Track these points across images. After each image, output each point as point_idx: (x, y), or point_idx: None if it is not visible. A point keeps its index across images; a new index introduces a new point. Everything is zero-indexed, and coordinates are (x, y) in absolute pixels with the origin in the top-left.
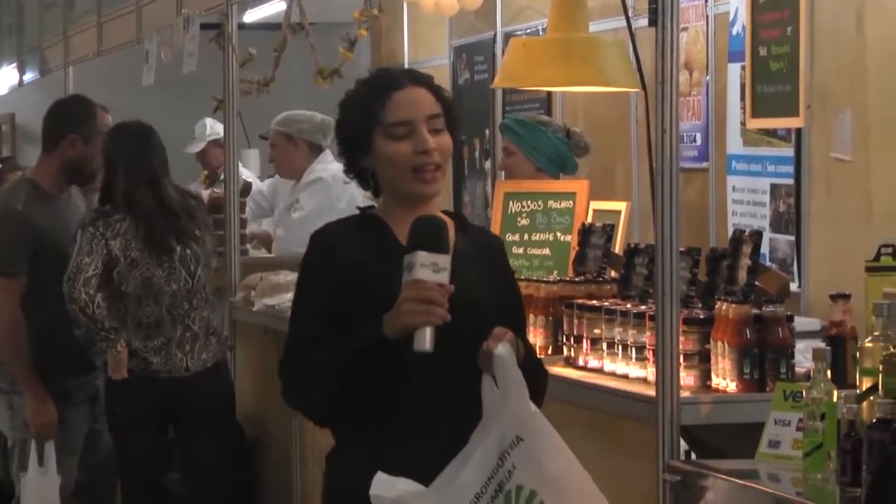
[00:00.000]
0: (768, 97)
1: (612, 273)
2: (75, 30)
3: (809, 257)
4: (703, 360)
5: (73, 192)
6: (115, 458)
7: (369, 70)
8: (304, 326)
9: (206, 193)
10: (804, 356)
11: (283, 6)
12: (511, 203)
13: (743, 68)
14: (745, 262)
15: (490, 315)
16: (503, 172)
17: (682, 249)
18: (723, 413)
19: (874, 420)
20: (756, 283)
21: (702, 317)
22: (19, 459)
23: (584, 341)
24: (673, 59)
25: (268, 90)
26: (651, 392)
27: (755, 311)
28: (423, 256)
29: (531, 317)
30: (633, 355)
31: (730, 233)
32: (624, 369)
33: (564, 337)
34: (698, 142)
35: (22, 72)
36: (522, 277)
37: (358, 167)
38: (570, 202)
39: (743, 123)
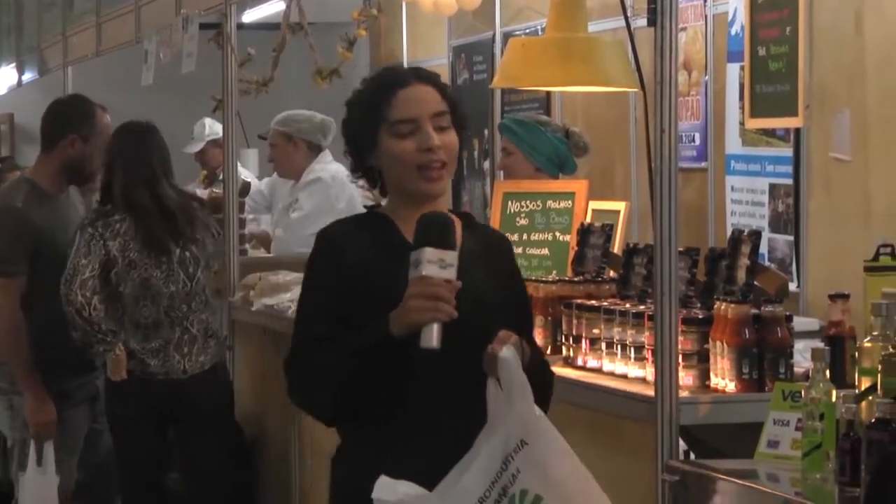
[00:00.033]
0: (767, 97)
1: (611, 273)
2: (74, 30)
3: (808, 257)
4: (701, 360)
5: (71, 192)
6: (115, 457)
7: (372, 69)
8: (310, 325)
9: (204, 193)
10: (803, 356)
11: (282, 6)
12: (510, 203)
13: (742, 68)
14: (744, 261)
15: (497, 314)
16: (502, 172)
17: (680, 249)
18: (722, 413)
19: (873, 420)
20: (755, 282)
21: (701, 317)
22: (19, 459)
23: (583, 341)
24: (672, 59)
25: (266, 90)
26: (650, 392)
27: (754, 311)
28: (429, 252)
29: None
30: (632, 355)
31: (728, 233)
32: (623, 369)
33: (563, 337)
34: (697, 142)
35: (21, 72)
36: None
37: (364, 166)
38: (569, 202)
39: (742, 123)
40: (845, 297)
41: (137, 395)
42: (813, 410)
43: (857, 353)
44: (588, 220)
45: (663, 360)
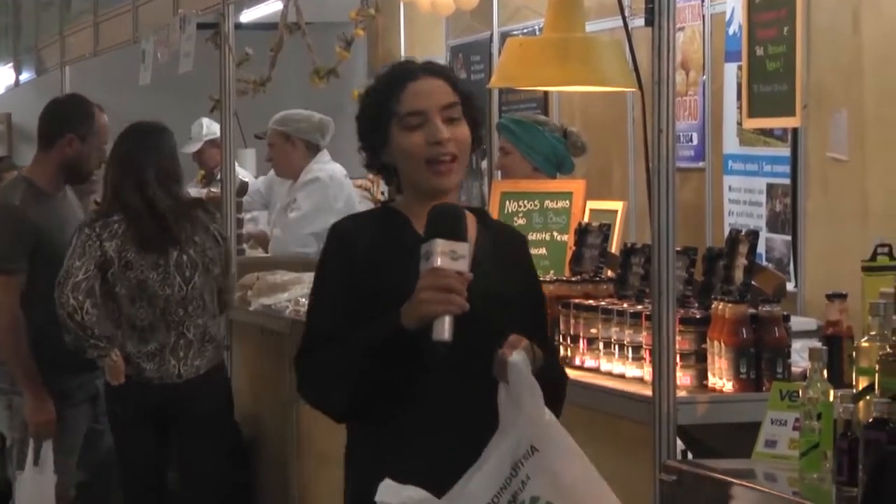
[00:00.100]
0: (765, 97)
1: (609, 273)
2: (71, 29)
3: (806, 257)
4: (699, 360)
5: (68, 192)
6: (115, 456)
7: (369, 70)
8: (320, 320)
9: (202, 193)
10: (800, 356)
11: (279, 6)
12: (507, 203)
13: (739, 68)
14: (742, 261)
15: (510, 312)
16: (500, 172)
17: (678, 249)
18: (719, 413)
19: (870, 420)
20: (752, 282)
21: (698, 316)
22: (17, 459)
23: (581, 341)
24: (669, 58)
25: (264, 90)
26: (647, 392)
27: (751, 310)
28: (440, 244)
29: None
30: (630, 355)
31: (726, 232)
32: (620, 369)
33: (561, 337)
34: (695, 141)
35: (18, 71)
36: None
37: (378, 163)
38: (567, 202)
39: (739, 123)
40: (843, 296)
41: (134, 399)
42: (810, 410)
43: (854, 353)
44: (586, 219)
45: (661, 359)
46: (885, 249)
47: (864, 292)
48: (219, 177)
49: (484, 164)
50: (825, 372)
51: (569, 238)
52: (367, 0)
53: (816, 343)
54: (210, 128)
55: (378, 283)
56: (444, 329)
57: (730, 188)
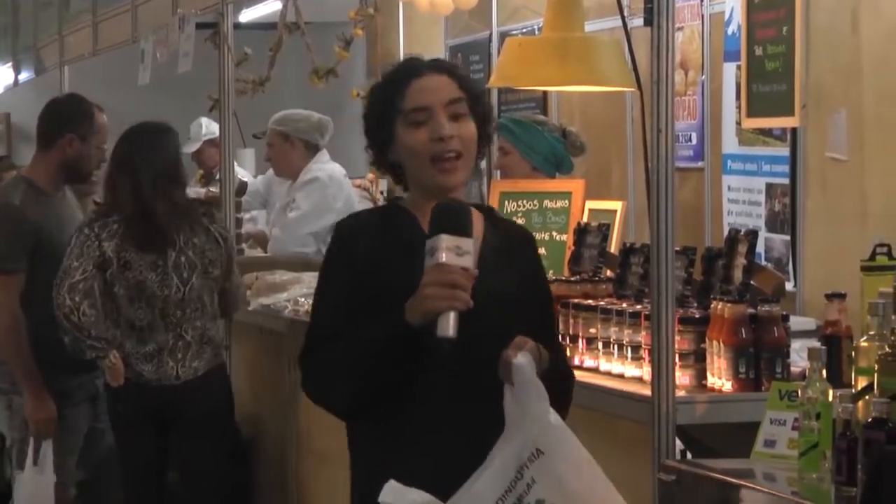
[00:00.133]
0: (764, 97)
1: (608, 272)
2: (70, 29)
3: (805, 257)
4: (698, 360)
5: (67, 192)
6: (117, 456)
7: (368, 69)
8: (325, 317)
9: (201, 193)
10: (799, 355)
11: (278, 5)
12: (507, 202)
13: (738, 68)
14: (741, 261)
15: (517, 311)
16: (499, 172)
17: (677, 249)
18: (718, 412)
19: (869, 419)
20: (751, 282)
21: (697, 316)
22: (17, 459)
23: (580, 341)
24: (668, 58)
25: (263, 90)
26: (647, 391)
27: (751, 310)
28: (445, 240)
29: None
30: (629, 355)
31: (725, 232)
32: (619, 369)
33: (560, 336)
34: (694, 141)
35: (17, 71)
36: None
37: (385, 161)
38: (566, 202)
39: (738, 123)
40: (842, 296)
41: (133, 401)
42: (809, 410)
43: (853, 353)
44: (585, 219)
45: (660, 359)
46: (884, 249)
47: (863, 292)
48: (218, 176)
49: (483, 163)
50: (824, 372)
51: (568, 238)
52: (366, 0)
53: (815, 343)
54: (209, 127)
55: (383, 280)
56: (449, 325)
57: (729, 188)
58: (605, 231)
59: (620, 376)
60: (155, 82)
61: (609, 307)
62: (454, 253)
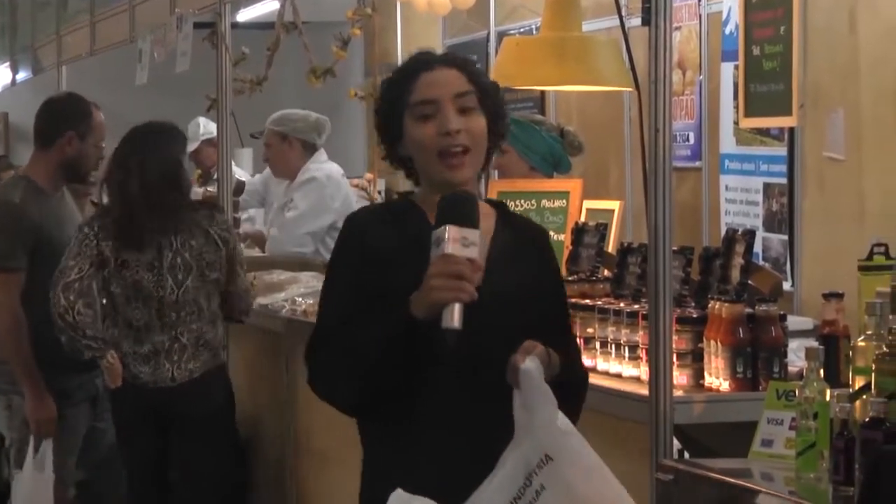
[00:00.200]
0: (761, 96)
1: (606, 272)
2: (68, 29)
3: (802, 256)
4: (696, 359)
5: (65, 191)
6: (120, 454)
7: (366, 69)
8: (331, 312)
9: (199, 193)
10: (797, 355)
11: (276, 5)
12: (504, 202)
13: (736, 67)
14: (738, 261)
15: (528, 311)
16: (496, 171)
17: (675, 248)
18: (716, 412)
19: (867, 419)
20: (749, 282)
21: (695, 316)
22: (16, 459)
23: (578, 340)
24: (666, 58)
25: (261, 89)
26: (644, 391)
27: (748, 310)
28: (451, 230)
29: None
30: (627, 354)
31: (723, 232)
32: (617, 368)
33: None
34: (691, 141)
35: (15, 71)
36: None
37: (395, 155)
38: (564, 201)
39: (736, 123)
40: (839, 296)
41: (131, 402)
42: (807, 409)
43: (851, 353)
44: (582, 219)
45: (657, 359)
46: (882, 249)
47: (861, 292)
48: (215, 176)
49: None
50: (821, 371)
51: (565, 237)
52: (364, 0)
53: (813, 342)
54: (207, 127)
55: (390, 275)
56: (454, 317)
57: (726, 188)
58: (602, 231)
59: (618, 376)
60: (153, 82)
61: (606, 307)
62: (460, 244)
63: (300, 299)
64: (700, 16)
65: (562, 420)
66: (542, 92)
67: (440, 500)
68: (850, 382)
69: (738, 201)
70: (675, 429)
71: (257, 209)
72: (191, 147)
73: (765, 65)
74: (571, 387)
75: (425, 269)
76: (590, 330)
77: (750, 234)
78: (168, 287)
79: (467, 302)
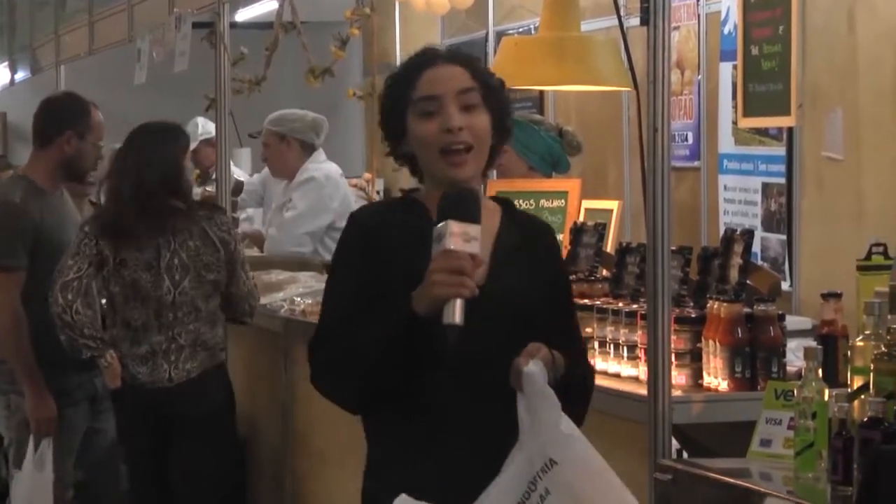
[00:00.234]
0: (760, 96)
1: (604, 272)
2: (67, 28)
3: (801, 256)
4: (694, 359)
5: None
6: (119, 451)
7: (365, 69)
8: (333, 310)
9: (198, 192)
10: (795, 355)
11: (274, 5)
12: None
13: (734, 67)
14: (737, 260)
15: (532, 310)
16: (495, 171)
17: (673, 248)
18: (714, 412)
19: (865, 419)
20: (747, 281)
21: (693, 316)
22: (14, 458)
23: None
24: (665, 58)
25: (259, 89)
26: (643, 391)
27: (747, 309)
28: (453, 226)
29: None
30: (625, 354)
31: (721, 232)
32: (616, 368)
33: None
34: (690, 141)
35: (13, 71)
36: None
37: (399, 153)
38: (562, 201)
39: (734, 122)
40: (838, 296)
41: (130, 402)
42: (805, 409)
43: (849, 352)
44: (581, 219)
45: (656, 358)
46: (880, 248)
47: (859, 291)
48: (214, 176)
49: None
50: (820, 371)
51: (564, 237)
52: None
53: (811, 342)
54: (205, 127)
55: (392, 273)
56: (455, 312)
57: (725, 187)
58: (601, 230)
59: (617, 376)
60: (151, 82)
61: (605, 307)
62: (461, 239)
63: (299, 299)
64: (699, 15)
65: (566, 424)
66: (541, 92)
67: (442, 499)
68: (849, 382)
69: (737, 201)
70: (674, 428)
71: (256, 209)
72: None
73: (763, 65)
74: (577, 387)
75: (427, 266)
76: (588, 330)
77: (748, 234)
78: (165, 287)
79: (468, 298)
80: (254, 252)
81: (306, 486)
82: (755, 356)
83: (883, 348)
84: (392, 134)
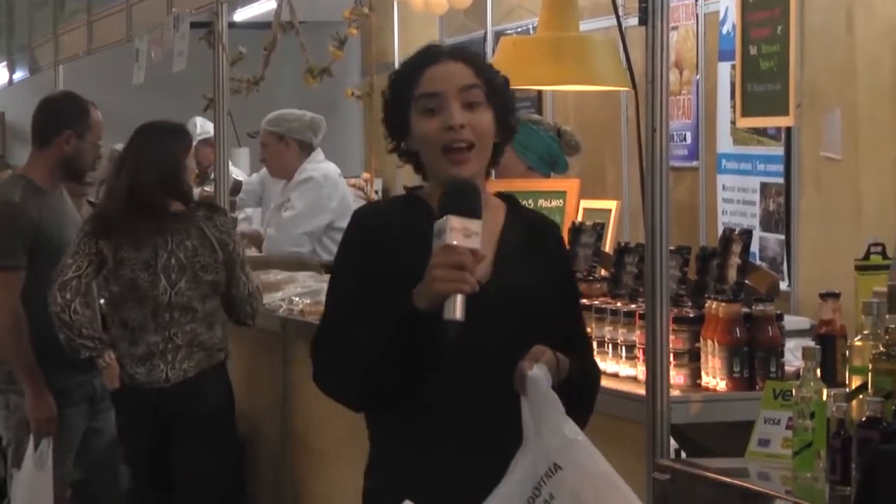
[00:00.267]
0: (758, 96)
1: (603, 272)
2: (65, 28)
3: (799, 256)
4: (692, 359)
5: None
6: (120, 451)
7: (363, 69)
8: (336, 308)
9: (196, 192)
10: (794, 355)
11: (273, 5)
12: None
13: (733, 67)
14: (735, 260)
15: (544, 303)
16: (493, 171)
17: (672, 248)
18: (712, 412)
19: (863, 418)
20: (746, 281)
21: (692, 315)
22: (13, 458)
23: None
24: (663, 57)
25: (258, 89)
26: (641, 391)
27: (745, 309)
28: (454, 221)
29: None
30: (624, 354)
31: (720, 231)
32: (614, 368)
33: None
34: (688, 140)
35: (12, 70)
36: None
37: (403, 151)
38: (561, 201)
39: (733, 122)
40: (836, 295)
41: (130, 403)
42: (804, 409)
43: (847, 352)
44: (579, 219)
45: (654, 358)
46: (879, 248)
47: (858, 291)
48: (212, 176)
49: None
50: (818, 371)
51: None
52: None
53: (810, 342)
54: (203, 127)
55: (394, 270)
56: (456, 308)
57: (723, 187)
58: (599, 230)
59: (615, 375)
60: (149, 81)
61: (603, 306)
62: (462, 234)
63: (297, 299)
64: (697, 15)
65: (570, 428)
66: (540, 92)
67: (442, 499)
68: (847, 382)
69: (735, 201)
70: (672, 428)
71: (254, 209)
72: None
73: (762, 64)
74: (583, 387)
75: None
76: (587, 329)
77: (747, 234)
78: (161, 287)
79: (469, 293)
80: (252, 252)
81: (305, 485)
82: (753, 356)
83: (881, 348)
84: (395, 131)
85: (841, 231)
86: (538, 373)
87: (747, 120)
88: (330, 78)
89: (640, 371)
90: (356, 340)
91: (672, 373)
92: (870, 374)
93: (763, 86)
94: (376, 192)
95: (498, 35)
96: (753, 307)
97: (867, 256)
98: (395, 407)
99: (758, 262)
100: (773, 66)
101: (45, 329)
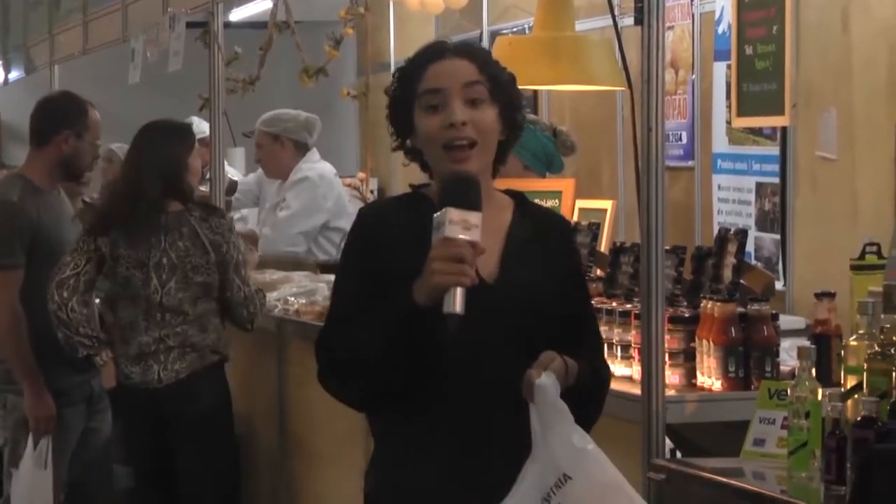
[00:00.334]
0: (754, 96)
1: (598, 272)
2: (61, 28)
3: (794, 256)
4: (688, 359)
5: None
6: (118, 451)
7: (359, 68)
8: (339, 306)
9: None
10: (789, 354)
11: (269, 5)
12: None
13: (729, 67)
14: (731, 260)
15: (546, 301)
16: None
17: (667, 248)
18: (708, 411)
19: (858, 418)
20: (741, 281)
21: (687, 315)
22: (10, 458)
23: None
24: (659, 57)
25: (253, 89)
26: (636, 390)
27: (740, 309)
28: (452, 213)
29: None
30: (619, 354)
31: (715, 231)
32: (609, 368)
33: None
34: (684, 140)
35: (7, 70)
36: None
37: (408, 148)
38: (556, 201)
39: (728, 122)
40: (831, 295)
41: (127, 403)
42: (799, 409)
43: (842, 352)
44: (575, 218)
45: (650, 358)
46: (874, 248)
47: (853, 291)
48: (208, 176)
49: None
50: (813, 370)
51: None
52: None
53: (805, 342)
54: (199, 126)
55: (397, 268)
56: (456, 301)
57: (719, 187)
58: (595, 230)
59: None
60: (145, 81)
61: (599, 306)
62: (461, 227)
63: (292, 299)
64: (693, 15)
65: (578, 437)
66: (535, 91)
67: (442, 499)
68: (842, 382)
69: (731, 201)
70: (668, 428)
71: (251, 209)
72: None
73: (757, 64)
74: (591, 391)
75: None
76: None
77: (742, 234)
78: (153, 286)
79: (468, 286)
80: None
81: (301, 486)
82: (749, 356)
83: (876, 348)
84: (400, 129)
85: (836, 231)
86: (546, 381)
87: (743, 120)
88: (325, 78)
89: (635, 371)
90: (357, 340)
91: (667, 372)
92: (865, 374)
93: (759, 85)
94: (372, 192)
95: (494, 35)
96: (749, 307)
97: (862, 256)
98: (394, 408)
99: (753, 261)
100: (768, 66)
101: (44, 329)
